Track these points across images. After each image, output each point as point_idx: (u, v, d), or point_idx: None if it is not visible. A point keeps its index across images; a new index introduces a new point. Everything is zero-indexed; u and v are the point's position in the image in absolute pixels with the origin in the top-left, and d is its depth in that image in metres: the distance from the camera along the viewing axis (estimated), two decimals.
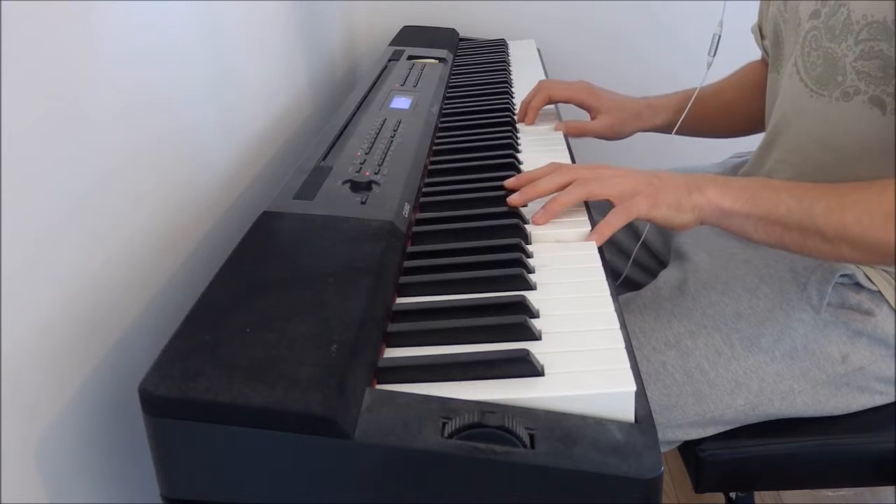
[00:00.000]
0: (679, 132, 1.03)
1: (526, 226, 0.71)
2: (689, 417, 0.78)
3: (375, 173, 0.76)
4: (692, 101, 0.97)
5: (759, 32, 0.99)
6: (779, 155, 0.86)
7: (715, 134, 1.10)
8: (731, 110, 1.05)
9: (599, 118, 1.03)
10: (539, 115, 1.04)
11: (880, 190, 0.68)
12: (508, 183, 0.77)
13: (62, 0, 0.56)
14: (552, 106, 1.07)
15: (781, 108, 0.85)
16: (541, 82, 1.05)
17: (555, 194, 0.73)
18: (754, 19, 1.01)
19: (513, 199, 0.74)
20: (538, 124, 1.03)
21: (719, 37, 0.94)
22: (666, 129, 1.06)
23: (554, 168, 0.76)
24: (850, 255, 0.70)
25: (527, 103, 1.03)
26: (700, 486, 0.82)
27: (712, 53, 0.94)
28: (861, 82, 0.73)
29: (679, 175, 0.74)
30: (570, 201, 0.72)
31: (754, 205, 0.71)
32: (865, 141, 0.75)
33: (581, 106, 1.05)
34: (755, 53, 1.04)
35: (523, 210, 0.74)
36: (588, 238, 0.70)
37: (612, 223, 0.70)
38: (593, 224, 0.71)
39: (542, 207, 0.72)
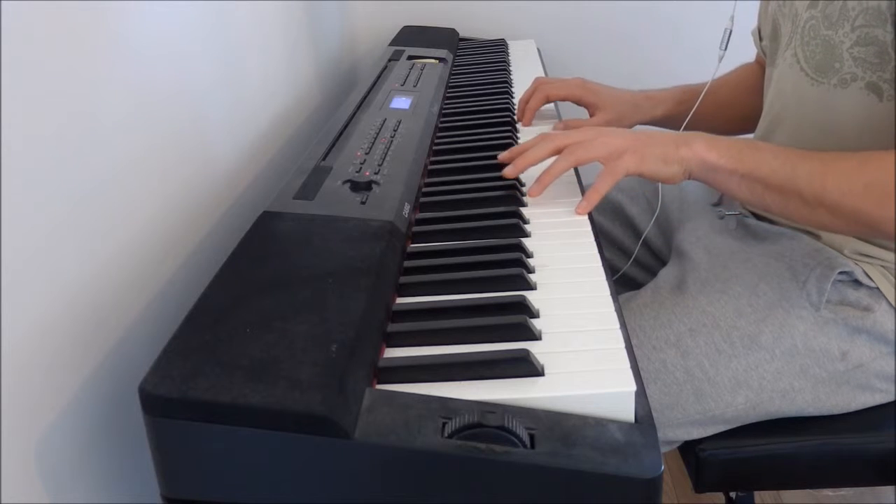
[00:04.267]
0: (675, 128, 1.03)
1: (523, 209, 0.74)
2: (690, 416, 0.78)
3: (375, 173, 0.76)
4: (702, 96, 0.97)
5: (759, 35, 1.00)
6: (780, 142, 0.86)
7: (708, 131, 1.10)
8: (724, 109, 1.06)
9: (598, 114, 1.03)
10: (538, 113, 1.04)
11: (863, 160, 0.69)
12: (501, 156, 0.81)
13: (64, 0, 0.56)
14: (551, 105, 1.07)
15: (780, 97, 0.86)
16: (537, 80, 1.05)
17: (546, 166, 0.76)
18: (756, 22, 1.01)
19: (507, 171, 0.78)
20: (538, 123, 1.03)
21: (730, 31, 0.94)
22: (664, 121, 1.06)
23: (542, 137, 0.78)
24: (829, 220, 0.72)
25: (524, 103, 1.03)
26: (700, 485, 0.82)
27: (723, 47, 0.95)
28: (858, 69, 0.74)
29: (668, 132, 0.76)
30: (560, 170, 0.75)
31: (739, 161, 0.73)
32: (863, 127, 0.76)
33: (578, 103, 1.05)
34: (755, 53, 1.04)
35: (529, 209, 0.74)
36: (578, 207, 0.74)
37: (601, 188, 0.73)
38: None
39: (536, 180, 0.75)
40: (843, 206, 0.69)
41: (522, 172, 0.78)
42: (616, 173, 0.74)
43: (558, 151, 0.76)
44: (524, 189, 0.79)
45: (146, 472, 0.51)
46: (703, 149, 0.73)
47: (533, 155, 0.77)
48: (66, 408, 0.56)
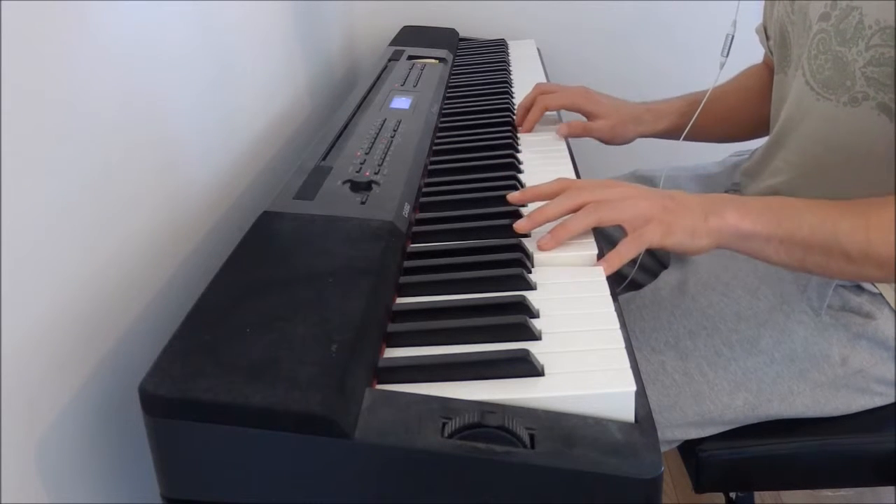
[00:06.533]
0: (678, 139, 1.02)
1: (523, 209, 0.71)
2: (689, 418, 0.78)
3: (375, 173, 0.76)
4: (702, 106, 0.96)
5: (764, 33, 0.99)
6: (784, 156, 0.86)
7: (717, 139, 1.09)
8: (732, 116, 1.04)
9: (598, 122, 1.01)
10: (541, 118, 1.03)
11: None
12: (512, 197, 0.73)
13: (62, 0, 0.56)
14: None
15: (788, 109, 0.85)
16: (538, 87, 1.04)
17: (564, 218, 0.69)
18: (761, 19, 1.00)
19: (520, 225, 0.70)
20: (538, 128, 1.02)
21: (732, 37, 0.92)
22: (668, 134, 1.04)
23: (563, 187, 0.71)
24: (875, 274, 0.68)
25: (524, 110, 1.02)
26: (700, 486, 0.82)
27: (725, 54, 0.93)
28: (870, 88, 0.72)
29: (695, 197, 0.71)
30: (580, 228, 0.68)
31: (776, 226, 0.68)
32: (872, 147, 0.74)
33: (579, 111, 1.03)
34: (760, 54, 1.03)
35: (529, 209, 0.73)
36: (597, 265, 0.66)
37: (624, 253, 0.67)
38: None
39: (550, 232, 0.68)
40: (891, 258, 0.65)
41: (538, 226, 0.70)
42: (641, 243, 0.67)
43: (579, 208, 0.69)
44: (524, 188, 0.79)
45: (146, 472, 0.51)
46: (736, 218, 0.68)
47: (552, 211, 0.69)
48: (66, 408, 0.56)
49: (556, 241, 0.68)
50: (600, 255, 0.66)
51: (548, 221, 0.70)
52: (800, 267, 0.70)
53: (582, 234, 0.69)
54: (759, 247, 0.69)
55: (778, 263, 0.71)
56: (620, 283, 1.04)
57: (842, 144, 0.77)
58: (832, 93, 0.76)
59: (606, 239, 1.05)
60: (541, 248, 0.68)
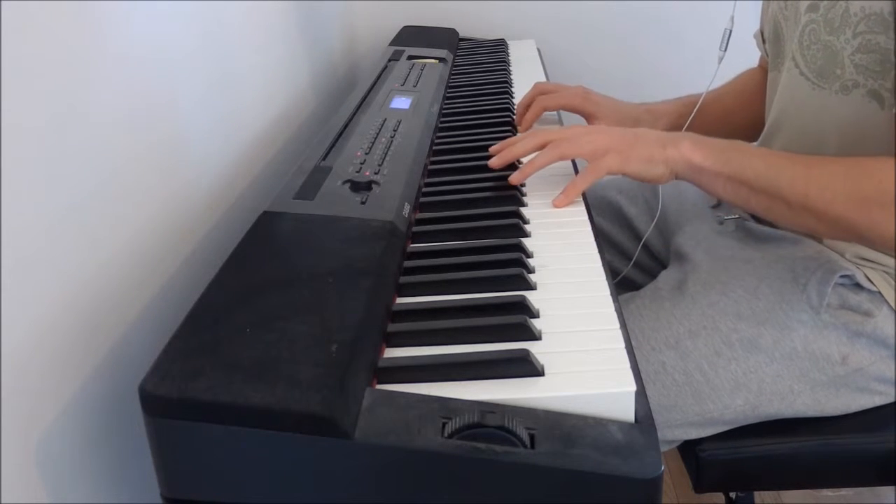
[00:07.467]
0: None
1: (523, 209, 0.75)
2: (689, 417, 0.78)
3: (375, 173, 0.76)
4: (697, 108, 0.96)
5: (762, 36, 0.99)
6: (779, 148, 0.86)
7: None
8: (729, 118, 1.04)
9: (597, 124, 1.02)
10: (539, 118, 1.03)
11: (848, 167, 0.70)
12: (493, 148, 0.83)
13: (63, 0, 0.56)
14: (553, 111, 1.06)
15: (781, 101, 0.85)
16: (536, 87, 1.03)
17: (531, 156, 0.78)
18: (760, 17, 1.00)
19: (492, 161, 0.80)
20: (539, 126, 1.02)
21: (730, 31, 0.94)
22: None
23: (531, 133, 0.81)
24: (814, 225, 0.73)
25: (523, 108, 1.01)
26: (700, 486, 0.82)
27: (723, 48, 0.94)
28: (860, 76, 0.73)
29: (655, 131, 0.78)
30: (544, 163, 0.77)
31: (724, 164, 0.73)
32: (864, 134, 0.75)
33: (577, 112, 1.03)
34: (758, 56, 1.03)
35: (529, 210, 0.75)
36: (555, 200, 0.75)
37: (579, 183, 0.75)
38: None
39: (518, 169, 0.78)
40: (827, 212, 0.69)
41: (508, 163, 0.80)
42: (598, 171, 0.75)
43: (545, 146, 0.78)
44: (523, 189, 0.80)
45: (146, 472, 0.51)
46: (689, 149, 0.74)
47: (520, 148, 0.79)
48: (66, 408, 0.56)
49: (524, 174, 0.77)
50: (603, 262, 0.66)
51: (516, 158, 0.80)
52: (746, 206, 0.76)
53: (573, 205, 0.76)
54: (710, 181, 0.75)
55: (727, 200, 0.78)
56: (614, 279, 1.04)
57: (835, 133, 0.78)
58: (825, 81, 0.77)
59: (607, 239, 1.05)
60: (510, 182, 0.77)
